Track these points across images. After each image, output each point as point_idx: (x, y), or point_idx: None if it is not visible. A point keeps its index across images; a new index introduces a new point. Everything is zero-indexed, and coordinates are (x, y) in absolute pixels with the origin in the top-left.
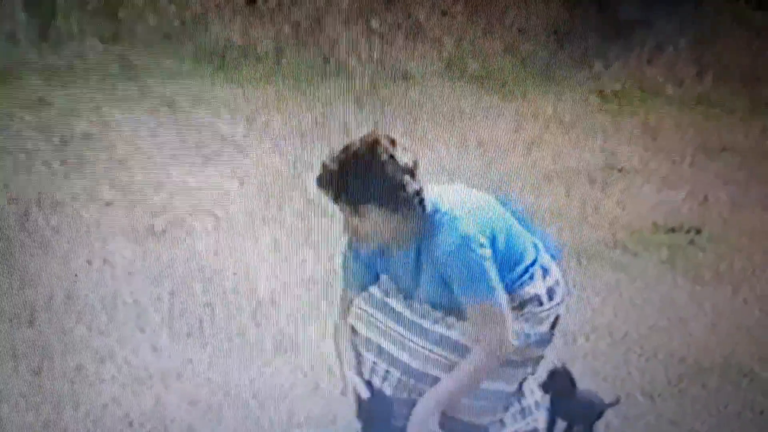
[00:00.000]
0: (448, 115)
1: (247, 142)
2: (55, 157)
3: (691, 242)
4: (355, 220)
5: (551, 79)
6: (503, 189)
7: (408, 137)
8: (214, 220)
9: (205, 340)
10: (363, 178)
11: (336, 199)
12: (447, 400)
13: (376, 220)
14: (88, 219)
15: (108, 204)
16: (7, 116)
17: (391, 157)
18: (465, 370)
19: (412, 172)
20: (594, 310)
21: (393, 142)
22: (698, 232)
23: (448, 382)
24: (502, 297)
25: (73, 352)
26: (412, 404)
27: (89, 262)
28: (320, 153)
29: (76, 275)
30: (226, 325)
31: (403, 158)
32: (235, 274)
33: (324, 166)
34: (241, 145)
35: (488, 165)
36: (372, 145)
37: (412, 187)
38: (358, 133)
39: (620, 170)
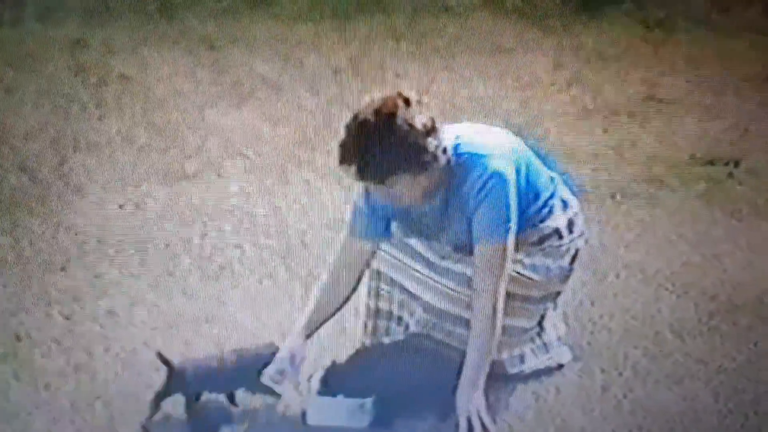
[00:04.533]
0: (487, 49)
1: (282, 82)
2: (92, 100)
3: (730, 175)
4: (383, 189)
5: (593, 9)
6: (541, 127)
7: (445, 71)
8: (246, 162)
9: (235, 282)
10: (384, 154)
11: (360, 177)
12: (481, 367)
13: (403, 187)
14: (123, 162)
15: (142, 147)
16: (45, 58)
17: (410, 126)
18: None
19: (432, 130)
20: (626, 247)
21: (407, 103)
22: (737, 164)
23: (472, 354)
24: (511, 241)
25: (105, 296)
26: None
27: (122, 206)
28: (356, 92)
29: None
30: (256, 267)
31: (421, 120)
32: (265, 215)
33: (342, 145)
34: (276, 84)
35: (526, 102)
36: (389, 118)
37: (433, 145)
38: (394, 69)
39: (661, 102)
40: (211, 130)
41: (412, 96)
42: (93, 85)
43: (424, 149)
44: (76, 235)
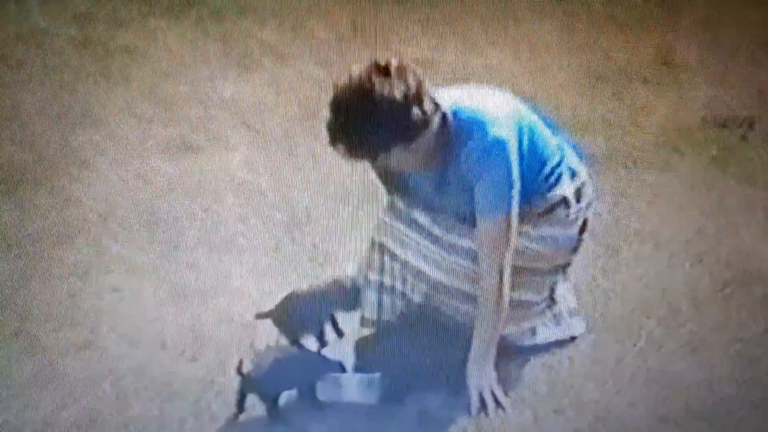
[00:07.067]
0: (497, 16)
1: (288, 51)
2: (99, 73)
3: (743, 138)
4: (379, 162)
5: None
6: (553, 94)
7: (455, 38)
8: (251, 133)
9: (241, 255)
10: (369, 132)
11: (352, 156)
12: (490, 341)
13: (398, 158)
14: (130, 135)
15: (149, 119)
16: (53, 32)
17: (390, 98)
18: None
19: (415, 97)
20: (639, 215)
21: (386, 73)
22: (750, 126)
23: (482, 325)
24: (515, 211)
25: (112, 271)
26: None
27: (127, 180)
28: (363, 59)
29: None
30: (262, 239)
31: (401, 89)
32: (271, 187)
33: (328, 126)
34: (282, 53)
35: (537, 68)
36: (365, 96)
37: (418, 113)
38: (401, 36)
39: (674, 67)
40: (219, 102)
41: (393, 63)
42: (100, 58)
43: (409, 119)
44: (82, 209)
